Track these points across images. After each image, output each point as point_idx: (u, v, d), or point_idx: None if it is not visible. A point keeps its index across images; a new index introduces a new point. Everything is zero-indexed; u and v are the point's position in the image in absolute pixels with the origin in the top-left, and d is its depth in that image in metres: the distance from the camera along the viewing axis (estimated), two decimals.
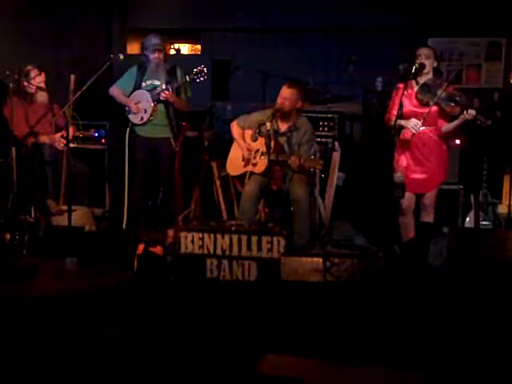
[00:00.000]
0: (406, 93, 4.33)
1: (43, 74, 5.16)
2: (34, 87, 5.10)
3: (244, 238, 4.24)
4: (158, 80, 5.12)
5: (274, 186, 4.94)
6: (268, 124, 4.66)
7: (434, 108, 4.43)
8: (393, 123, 4.28)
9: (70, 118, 4.99)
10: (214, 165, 5.52)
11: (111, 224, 5.59)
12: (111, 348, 3.15)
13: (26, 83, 5.10)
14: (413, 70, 4.29)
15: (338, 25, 6.78)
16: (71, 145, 4.94)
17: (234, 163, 5.06)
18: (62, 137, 5.12)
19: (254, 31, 7.21)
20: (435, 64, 4.48)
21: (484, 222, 4.91)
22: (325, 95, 6.44)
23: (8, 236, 4.62)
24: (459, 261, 4.02)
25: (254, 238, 4.23)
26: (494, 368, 2.96)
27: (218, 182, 5.48)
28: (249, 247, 4.23)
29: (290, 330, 3.37)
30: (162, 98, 5.06)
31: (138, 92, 5.17)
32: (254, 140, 4.82)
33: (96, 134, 5.94)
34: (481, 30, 6.36)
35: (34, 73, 5.12)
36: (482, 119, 4.28)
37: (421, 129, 4.45)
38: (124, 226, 5.25)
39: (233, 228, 4.32)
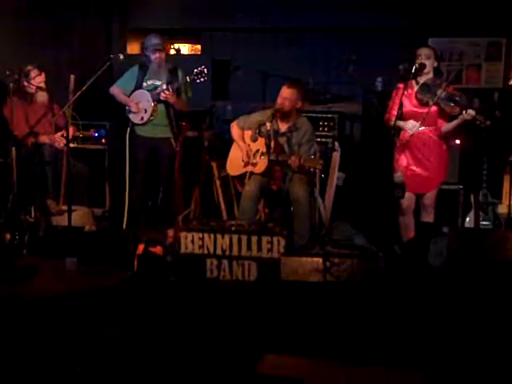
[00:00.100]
0: (405, 93, 4.33)
1: (43, 74, 5.17)
2: (34, 87, 5.10)
3: (244, 238, 4.24)
4: (159, 80, 5.12)
5: (274, 186, 4.94)
6: (268, 124, 4.66)
7: (434, 108, 4.43)
8: (392, 123, 4.29)
9: (70, 118, 4.99)
10: (214, 165, 5.52)
11: (111, 224, 5.59)
12: (111, 348, 3.15)
13: (26, 83, 5.10)
14: (413, 70, 4.29)
15: (338, 25, 6.78)
16: (71, 145, 4.94)
17: (234, 163, 5.06)
18: (62, 136, 5.12)
19: (253, 31, 7.21)
20: (435, 64, 4.48)
21: (484, 222, 4.91)
22: (325, 95, 6.44)
23: (8, 236, 4.62)
24: (459, 261, 4.02)
25: (254, 238, 4.23)
26: (494, 368, 2.96)
27: (218, 182, 5.48)
28: (249, 247, 4.23)
29: (290, 330, 3.37)
30: (162, 98, 5.06)
31: (138, 92, 5.17)
32: (254, 140, 4.82)
33: (96, 134, 5.94)
34: (481, 30, 6.36)
35: (33, 73, 5.12)
36: (481, 119, 4.28)
37: (420, 129, 4.46)
38: (124, 226, 5.26)
39: (233, 228, 4.32)
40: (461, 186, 5.30)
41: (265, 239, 4.22)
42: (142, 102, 5.13)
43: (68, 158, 4.89)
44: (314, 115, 5.92)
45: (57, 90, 5.25)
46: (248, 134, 4.92)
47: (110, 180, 5.90)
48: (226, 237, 4.25)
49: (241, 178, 5.05)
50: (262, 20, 6.98)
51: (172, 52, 7.88)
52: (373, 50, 6.63)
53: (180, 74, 5.14)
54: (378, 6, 6.57)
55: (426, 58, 4.40)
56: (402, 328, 3.38)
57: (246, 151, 4.95)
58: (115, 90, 5.25)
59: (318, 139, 5.44)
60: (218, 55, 7.10)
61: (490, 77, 6.53)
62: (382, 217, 4.57)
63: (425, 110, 4.41)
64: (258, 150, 4.91)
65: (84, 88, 4.67)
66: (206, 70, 4.95)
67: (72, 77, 5.22)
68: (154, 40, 5.14)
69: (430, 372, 2.90)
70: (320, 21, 6.82)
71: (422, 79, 4.46)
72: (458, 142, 5.29)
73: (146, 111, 5.13)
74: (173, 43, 7.87)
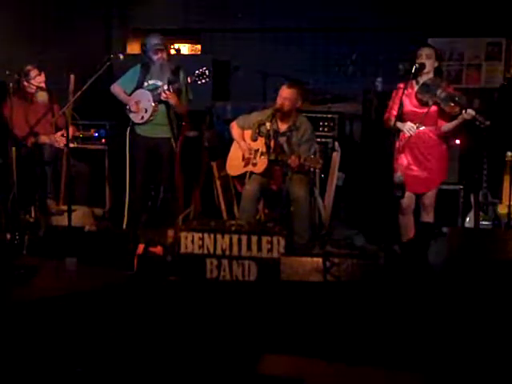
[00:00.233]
0: (406, 92, 4.33)
1: (43, 74, 5.17)
2: (34, 87, 5.10)
3: (244, 238, 4.23)
4: (161, 80, 5.10)
5: (274, 186, 4.95)
6: (268, 124, 4.67)
7: (434, 108, 4.43)
8: (392, 123, 4.30)
9: (70, 118, 4.99)
10: (214, 165, 5.52)
11: (111, 224, 5.59)
12: (111, 348, 3.15)
13: (26, 83, 5.10)
14: (413, 70, 4.29)
15: (338, 25, 6.78)
16: (71, 145, 4.94)
17: (234, 163, 5.06)
18: (62, 136, 5.12)
19: (253, 31, 7.21)
20: (436, 64, 4.48)
21: (484, 222, 4.91)
22: (325, 95, 6.43)
23: (8, 236, 4.62)
24: (459, 261, 4.02)
25: (254, 238, 4.22)
26: (494, 368, 2.96)
27: (218, 182, 5.48)
28: (249, 247, 4.23)
29: (290, 330, 3.37)
30: (163, 99, 5.05)
31: (139, 91, 5.16)
32: (254, 140, 4.82)
33: (96, 134, 5.94)
34: (481, 30, 6.36)
35: (34, 73, 5.12)
36: (481, 119, 4.28)
37: (421, 128, 4.47)
38: (124, 226, 5.25)
39: (233, 228, 4.32)
40: (461, 186, 5.29)
41: (265, 239, 4.21)
42: (143, 101, 5.13)
43: (68, 157, 4.89)
44: (314, 115, 5.91)
45: (57, 90, 5.25)
46: (248, 133, 4.92)
47: (110, 180, 5.89)
48: (226, 237, 4.25)
49: (241, 177, 5.05)
50: (238, 14, 6.99)
51: (172, 52, 7.87)
52: (373, 50, 6.63)
53: (182, 74, 5.12)
54: (377, 5, 6.57)
55: (426, 57, 4.40)
56: (402, 328, 3.38)
57: (246, 151, 4.95)
58: (116, 88, 5.24)
59: (318, 139, 5.44)
60: (218, 55, 7.09)
61: (490, 77, 6.53)
62: (382, 217, 4.57)
63: (425, 110, 4.42)
64: (257, 150, 4.91)
65: (84, 88, 4.67)
66: (207, 71, 4.93)
67: (72, 77, 5.22)
68: (155, 40, 5.13)
69: (430, 372, 2.90)
70: (320, 21, 6.82)
71: (422, 79, 4.46)
72: (457, 141, 5.29)
73: (146, 111, 5.12)
74: (173, 43, 7.87)
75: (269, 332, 3.35)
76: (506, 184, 4.93)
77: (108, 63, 4.93)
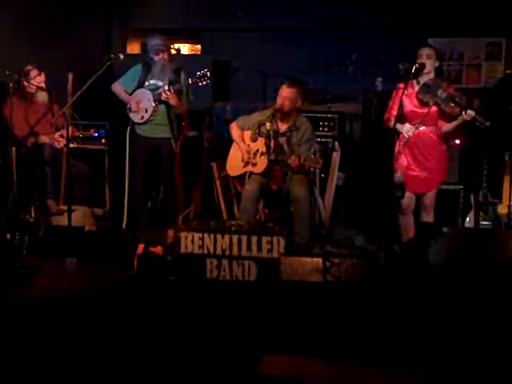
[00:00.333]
0: (406, 92, 4.33)
1: (43, 74, 5.17)
2: (34, 87, 5.10)
3: (244, 238, 4.24)
4: (162, 80, 5.10)
5: (274, 186, 4.95)
6: (268, 124, 4.67)
7: (434, 108, 4.43)
8: (391, 124, 4.30)
9: (70, 118, 4.99)
10: (214, 165, 5.52)
11: (111, 224, 5.59)
12: (111, 348, 3.15)
13: (26, 83, 5.10)
14: (413, 70, 4.29)
15: (338, 25, 6.79)
16: (71, 145, 4.94)
17: (234, 163, 5.06)
18: (61, 136, 5.12)
19: (254, 31, 7.21)
20: (437, 64, 4.47)
21: (484, 222, 4.91)
22: (325, 95, 6.43)
23: (8, 236, 4.62)
24: (459, 261, 4.02)
25: (254, 238, 4.22)
26: (494, 368, 2.96)
27: (218, 182, 5.48)
28: (249, 247, 4.23)
29: (290, 330, 3.37)
30: (163, 99, 5.05)
31: (140, 91, 5.16)
32: (254, 140, 4.82)
33: (96, 134, 5.94)
34: (481, 30, 6.36)
35: (34, 73, 5.12)
36: (481, 120, 4.28)
37: (421, 128, 4.47)
38: (124, 226, 5.25)
39: (233, 228, 4.32)
40: (461, 186, 5.29)
41: (265, 239, 4.22)
42: (143, 101, 5.12)
43: (68, 157, 4.89)
44: (314, 115, 5.91)
45: (57, 90, 5.25)
46: (248, 134, 4.92)
47: (110, 180, 5.89)
48: (226, 237, 4.25)
49: (241, 178, 5.04)
50: (238, 14, 6.99)
51: (172, 52, 7.87)
52: (373, 50, 6.63)
53: (183, 76, 5.11)
54: (377, 5, 6.57)
55: (427, 57, 4.40)
56: (402, 328, 3.38)
57: (245, 151, 4.95)
58: (117, 87, 5.23)
59: (318, 139, 5.44)
60: (218, 55, 7.10)
61: (490, 77, 6.53)
62: (382, 217, 4.57)
63: (425, 110, 4.42)
64: (257, 150, 4.91)
65: (84, 88, 4.66)
66: (208, 73, 4.93)
67: (70, 75, 5.22)
68: (156, 41, 5.13)
69: (430, 372, 2.90)
70: (320, 21, 6.82)
71: (423, 79, 4.46)
72: (457, 141, 5.29)
73: (146, 111, 5.12)
74: (173, 43, 7.87)
75: (269, 332, 3.35)
76: (506, 184, 4.94)
77: (108, 63, 4.93)
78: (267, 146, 4.73)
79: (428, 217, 4.65)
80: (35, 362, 2.98)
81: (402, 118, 4.43)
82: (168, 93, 5.00)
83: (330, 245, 4.86)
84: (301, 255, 4.27)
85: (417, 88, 4.48)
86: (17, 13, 6.12)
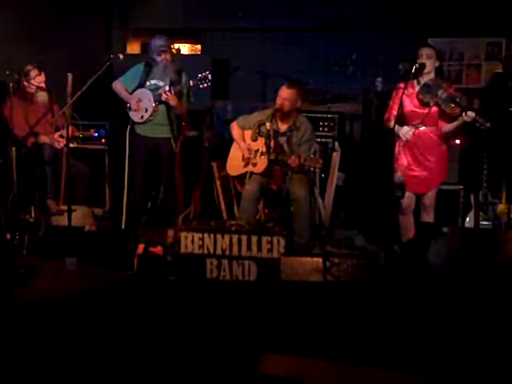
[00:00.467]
0: (406, 92, 4.33)
1: (43, 74, 5.17)
2: (34, 87, 5.10)
3: (244, 238, 4.24)
4: (163, 81, 5.10)
5: (274, 186, 4.95)
6: (268, 124, 4.67)
7: (435, 108, 4.43)
8: (391, 125, 4.30)
9: (70, 118, 4.98)
10: (214, 165, 5.51)
11: (111, 224, 5.59)
12: (111, 348, 3.15)
13: (26, 83, 5.10)
14: (413, 70, 4.29)
15: (338, 25, 6.79)
16: (71, 145, 4.94)
17: (234, 163, 5.06)
18: (61, 136, 5.12)
19: (254, 31, 7.22)
20: (437, 64, 4.47)
21: (484, 222, 4.91)
22: (325, 95, 6.43)
23: (8, 236, 4.62)
24: (459, 261, 4.02)
25: (254, 238, 4.22)
26: (494, 368, 2.96)
27: (218, 182, 5.48)
28: (249, 247, 4.23)
29: (290, 330, 3.37)
30: (163, 99, 5.05)
31: (140, 90, 5.16)
32: (254, 140, 4.82)
33: (96, 134, 5.94)
34: (481, 30, 6.36)
35: (34, 73, 5.12)
36: (481, 121, 4.28)
37: (421, 129, 4.47)
38: (124, 226, 5.25)
39: (233, 228, 4.32)
40: (461, 186, 5.29)
41: (265, 239, 4.22)
42: (144, 100, 5.12)
43: (68, 157, 4.89)
44: (314, 115, 5.91)
45: (57, 90, 5.25)
46: (248, 133, 4.92)
47: (110, 180, 5.89)
48: (226, 237, 4.25)
49: (241, 177, 5.04)
50: (238, 14, 6.99)
51: (174, 53, 7.87)
52: (373, 50, 6.63)
53: (184, 77, 5.11)
54: (377, 5, 6.57)
55: (427, 57, 4.39)
56: (402, 328, 3.38)
57: (246, 150, 4.95)
58: (118, 85, 5.23)
59: (318, 139, 5.44)
60: (218, 55, 7.10)
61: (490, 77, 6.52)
62: (382, 217, 4.57)
63: (425, 111, 4.42)
64: (257, 150, 4.91)
65: (84, 88, 4.66)
66: (210, 75, 4.93)
67: (69, 75, 5.22)
68: (160, 42, 5.12)
69: (430, 372, 2.90)
70: (320, 21, 6.82)
71: (423, 79, 4.46)
72: (458, 141, 5.29)
73: (146, 110, 5.12)
74: (173, 43, 7.86)
75: (269, 332, 3.35)
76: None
77: (108, 63, 4.93)
78: (267, 145, 4.73)
79: (428, 217, 4.65)
80: (35, 362, 2.98)
81: (402, 118, 4.43)
82: (168, 93, 5.00)
83: (330, 245, 4.86)
84: (301, 255, 4.28)
85: (417, 88, 4.48)
86: (17, 13, 6.12)
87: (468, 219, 4.99)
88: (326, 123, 6.03)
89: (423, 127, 4.47)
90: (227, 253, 4.24)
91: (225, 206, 5.49)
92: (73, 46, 6.68)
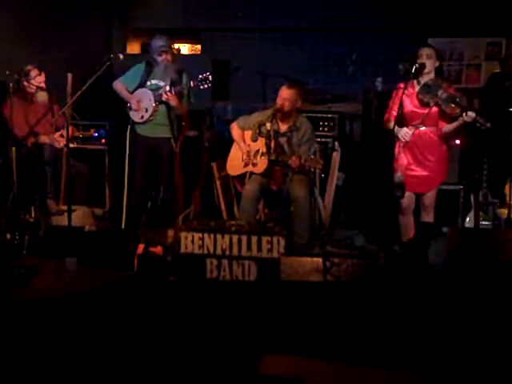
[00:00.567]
0: (406, 92, 4.33)
1: (43, 74, 5.17)
2: (34, 87, 5.10)
3: (244, 238, 4.24)
4: (163, 81, 5.10)
5: (274, 186, 4.95)
6: (268, 124, 4.67)
7: (435, 109, 4.43)
8: (391, 126, 4.30)
9: (70, 118, 4.98)
10: (214, 165, 5.52)
11: (111, 224, 5.59)
12: (111, 348, 3.15)
13: (26, 83, 5.10)
14: (413, 70, 4.29)
15: (338, 25, 6.79)
16: (71, 145, 4.94)
17: (234, 163, 5.06)
18: (61, 136, 5.12)
19: (254, 31, 7.22)
20: (437, 64, 4.47)
21: (484, 222, 4.91)
22: (325, 95, 6.43)
23: (8, 236, 4.62)
24: (459, 261, 4.02)
25: (254, 238, 4.22)
26: (494, 368, 2.96)
27: (218, 183, 5.48)
28: (249, 247, 4.23)
29: (290, 330, 3.37)
30: (163, 99, 5.05)
31: (141, 90, 5.16)
32: (254, 140, 4.82)
33: (96, 134, 5.94)
34: (481, 30, 6.36)
35: (34, 73, 5.12)
36: (481, 121, 4.27)
37: (421, 129, 4.47)
38: (124, 226, 5.25)
39: (233, 228, 4.32)
40: (461, 186, 5.29)
41: (265, 239, 4.22)
42: (144, 100, 5.12)
43: (68, 158, 4.89)
44: (314, 115, 5.91)
45: (57, 90, 5.25)
46: (248, 134, 4.92)
47: (110, 180, 5.90)
48: (226, 237, 4.25)
49: (241, 177, 5.04)
50: (238, 14, 7.00)
51: (175, 53, 7.87)
52: (373, 50, 6.63)
53: (185, 78, 5.11)
54: (377, 5, 6.57)
55: (427, 57, 4.39)
56: (402, 328, 3.38)
57: (246, 151, 4.95)
58: (118, 85, 5.22)
59: (318, 139, 5.44)
60: (218, 55, 7.10)
61: None
62: (382, 217, 4.57)
63: (425, 111, 4.41)
64: (258, 150, 4.91)
65: (84, 88, 4.66)
66: (210, 76, 4.93)
67: (69, 75, 5.21)
68: (160, 42, 5.12)
69: (430, 372, 2.90)
70: (320, 21, 6.82)
71: (423, 79, 4.46)
72: (458, 142, 5.29)
73: (146, 110, 5.12)
74: (173, 43, 7.86)
75: (269, 332, 3.35)
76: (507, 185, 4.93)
77: (108, 63, 4.92)
78: (267, 146, 4.73)
79: (428, 217, 4.65)
80: (35, 362, 2.98)
81: (402, 118, 4.43)
82: (169, 94, 5.00)
83: (330, 245, 4.86)
84: (301, 255, 4.28)
85: (417, 88, 4.48)
86: (17, 13, 6.12)
87: (468, 219, 4.99)
88: (325, 123, 6.03)
89: (423, 127, 4.47)
90: (227, 253, 4.24)
91: (225, 205, 5.49)
92: (73, 46, 6.68)
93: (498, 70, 5.97)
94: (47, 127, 5.23)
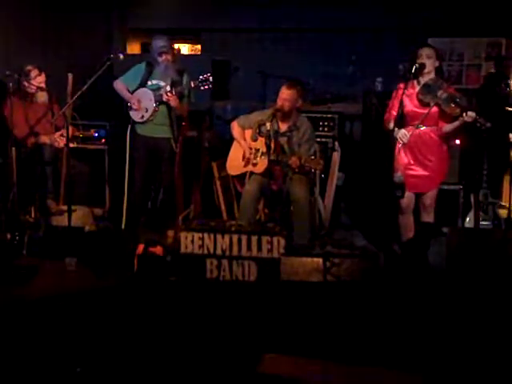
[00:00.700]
0: (406, 92, 4.33)
1: (43, 74, 5.16)
2: (34, 87, 5.09)
3: (244, 238, 4.24)
4: (164, 81, 5.09)
5: (274, 186, 4.95)
6: (268, 124, 4.67)
7: (435, 109, 4.42)
8: (390, 126, 4.30)
9: (70, 118, 4.98)
10: (214, 165, 5.52)
11: (111, 224, 5.59)
12: (111, 348, 3.15)
13: (26, 83, 5.09)
14: (413, 70, 4.29)
15: (338, 25, 6.79)
16: (71, 145, 4.94)
17: (234, 163, 5.06)
18: (62, 136, 5.12)
19: (253, 31, 7.22)
20: (437, 64, 4.47)
21: (484, 222, 4.91)
22: (325, 95, 6.44)
23: (8, 236, 4.62)
24: (459, 261, 4.02)
25: (254, 238, 4.23)
26: (493, 368, 2.96)
27: (218, 182, 5.48)
28: (249, 247, 4.23)
29: (290, 330, 3.37)
30: (164, 100, 5.05)
31: (141, 90, 5.15)
32: (254, 140, 4.82)
33: (96, 134, 5.94)
34: (481, 30, 6.36)
35: (34, 73, 5.12)
36: (481, 121, 4.27)
37: (421, 128, 4.47)
38: (123, 226, 5.25)
39: (233, 228, 4.32)
40: (461, 186, 5.30)
41: (265, 239, 4.22)
42: (145, 100, 5.12)
43: (68, 157, 4.89)
44: (314, 115, 5.92)
45: (57, 90, 5.25)
46: (249, 133, 4.92)
47: (110, 180, 5.89)
48: (226, 237, 4.25)
49: (241, 177, 5.05)
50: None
51: (175, 53, 7.87)
52: (373, 50, 6.63)
53: (185, 78, 5.10)
54: (378, 5, 6.57)
55: (427, 57, 4.39)
56: (401, 328, 3.38)
57: (247, 148, 4.95)
58: (119, 84, 5.21)
59: (318, 139, 5.44)
60: (218, 55, 7.10)
61: None
62: (382, 217, 4.57)
63: (426, 111, 4.41)
64: (258, 150, 4.91)
65: (84, 88, 4.66)
66: (211, 77, 4.93)
67: (70, 76, 5.20)
68: (161, 42, 5.11)
69: (429, 372, 2.90)
70: (320, 21, 6.82)
71: (423, 79, 4.45)
72: (458, 142, 5.29)
73: (147, 110, 5.11)
74: (173, 43, 7.86)
75: (269, 332, 3.35)
76: (506, 184, 4.94)
77: (108, 63, 4.91)
78: (267, 146, 4.73)
79: (428, 217, 4.65)
80: (35, 362, 2.98)
81: (402, 118, 4.43)
82: (169, 94, 4.99)
83: (330, 245, 4.86)
84: (301, 255, 4.27)
85: (417, 88, 4.48)
86: (17, 13, 6.13)
87: (468, 219, 5.00)
88: (325, 123, 6.03)
89: (423, 127, 4.47)
90: (227, 253, 4.24)
91: (225, 206, 5.49)
92: (73, 46, 6.69)
93: (493, 71, 5.98)
94: (47, 127, 5.22)
